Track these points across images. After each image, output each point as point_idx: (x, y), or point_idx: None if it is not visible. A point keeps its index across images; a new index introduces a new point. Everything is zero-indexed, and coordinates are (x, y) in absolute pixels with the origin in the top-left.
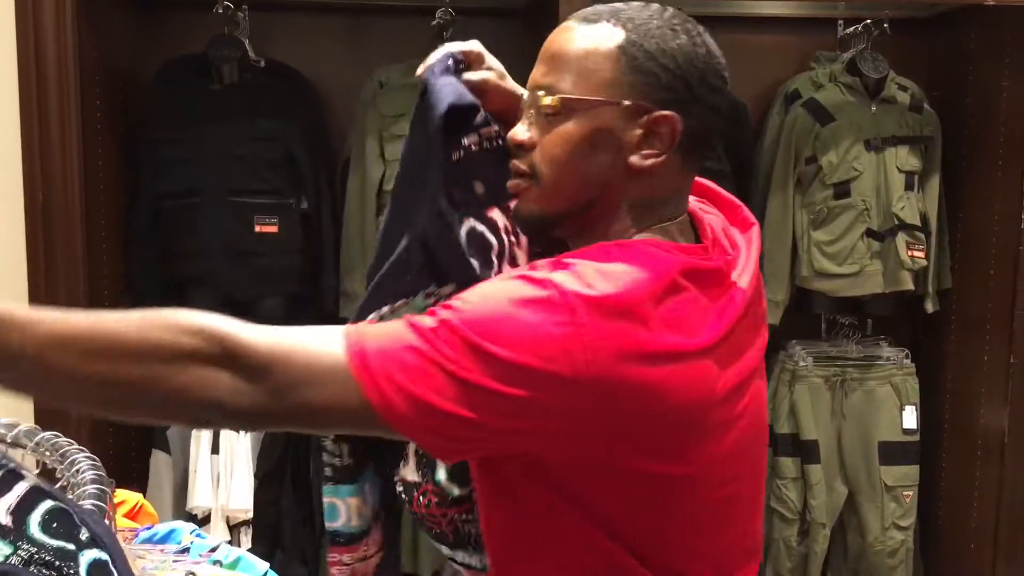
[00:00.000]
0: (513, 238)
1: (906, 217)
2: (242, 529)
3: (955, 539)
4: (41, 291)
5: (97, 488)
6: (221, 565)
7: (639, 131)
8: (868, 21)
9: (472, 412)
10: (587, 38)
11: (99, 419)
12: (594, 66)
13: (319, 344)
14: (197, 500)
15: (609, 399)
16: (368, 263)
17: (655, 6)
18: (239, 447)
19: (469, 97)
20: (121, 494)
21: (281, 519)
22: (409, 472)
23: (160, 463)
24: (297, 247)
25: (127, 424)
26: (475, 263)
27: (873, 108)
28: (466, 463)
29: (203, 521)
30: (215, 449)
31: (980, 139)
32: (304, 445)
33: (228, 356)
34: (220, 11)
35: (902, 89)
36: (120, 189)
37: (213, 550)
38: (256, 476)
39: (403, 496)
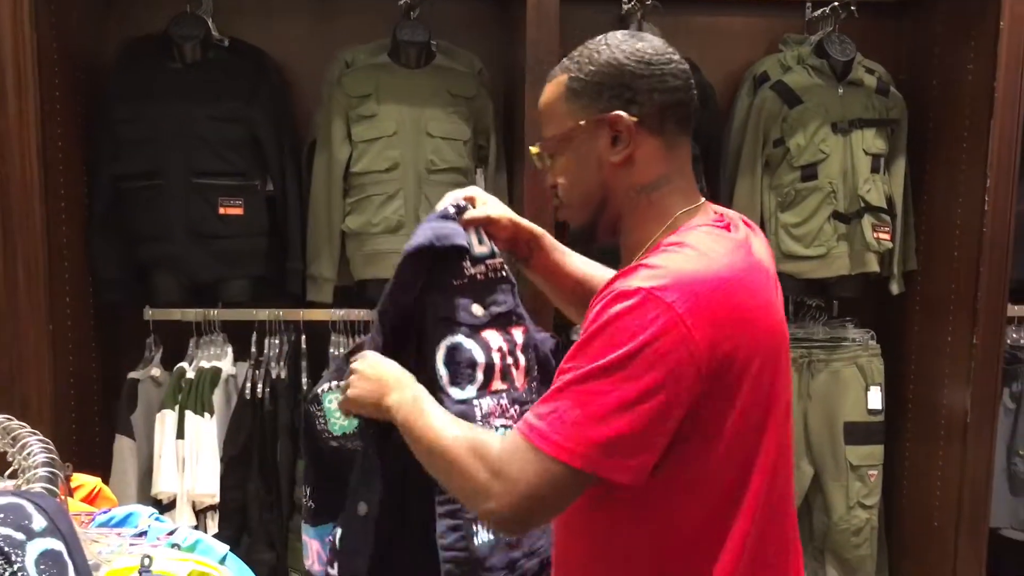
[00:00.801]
0: (511, 359)
1: (872, 200)
2: (208, 514)
3: (919, 517)
4: None
5: (48, 471)
6: (179, 548)
7: (605, 137)
8: (836, 4)
9: (637, 425)
10: (547, 91)
11: (60, 404)
12: (554, 110)
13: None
14: (162, 485)
15: (710, 321)
16: (334, 246)
17: (607, 35)
18: (204, 432)
19: (461, 238)
20: (79, 478)
21: (248, 504)
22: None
23: (124, 448)
24: (262, 229)
25: (89, 409)
26: (443, 372)
27: (840, 91)
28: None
29: (168, 506)
30: (180, 434)
31: (945, 122)
32: (271, 429)
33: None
34: None
35: (869, 72)
36: (80, 169)
37: (171, 533)
38: (222, 461)
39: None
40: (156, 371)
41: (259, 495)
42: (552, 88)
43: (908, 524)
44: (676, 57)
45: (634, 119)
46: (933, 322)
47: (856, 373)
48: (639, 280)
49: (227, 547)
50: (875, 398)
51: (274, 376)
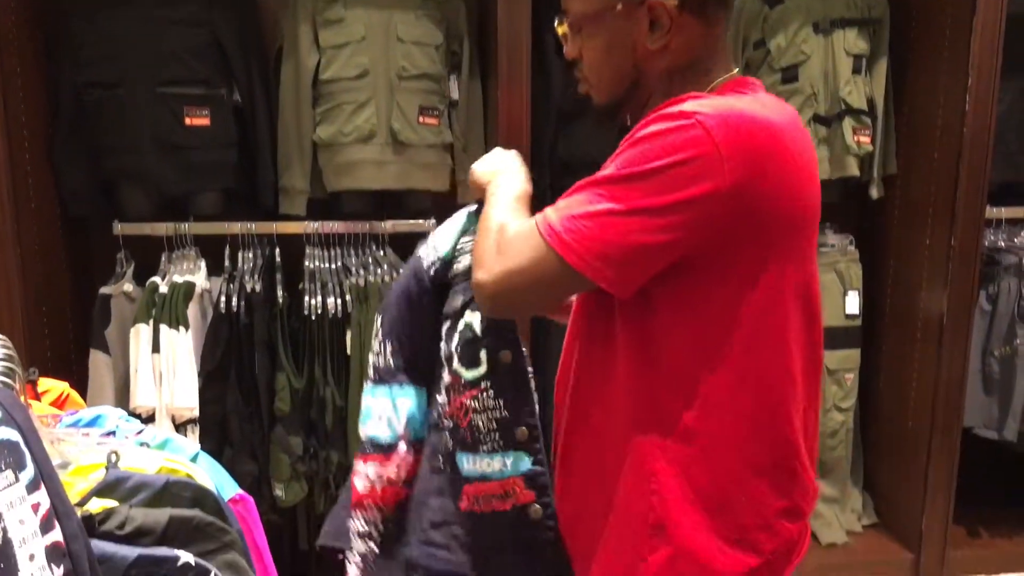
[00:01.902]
0: None
1: (853, 102)
2: (188, 427)
3: (894, 418)
4: None
5: (5, 366)
6: (148, 447)
7: (642, 21)
8: None
9: (646, 236)
10: None
11: (33, 322)
12: None
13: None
14: (140, 399)
15: (749, 163)
16: (305, 156)
17: None
18: (180, 346)
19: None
20: (45, 383)
21: (227, 416)
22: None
23: (100, 363)
24: (231, 140)
25: (63, 327)
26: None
27: None
28: (476, 352)
29: (148, 421)
30: (155, 348)
31: (927, 22)
32: (248, 342)
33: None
34: None
35: None
36: (40, 80)
37: (139, 432)
38: (200, 375)
39: (440, 407)
40: (128, 286)
41: (238, 408)
42: None
43: (883, 425)
44: None
45: (675, 3)
46: (912, 225)
47: (835, 279)
48: (685, 105)
49: (198, 446)
50: (852, 303)
51: (249, 290)
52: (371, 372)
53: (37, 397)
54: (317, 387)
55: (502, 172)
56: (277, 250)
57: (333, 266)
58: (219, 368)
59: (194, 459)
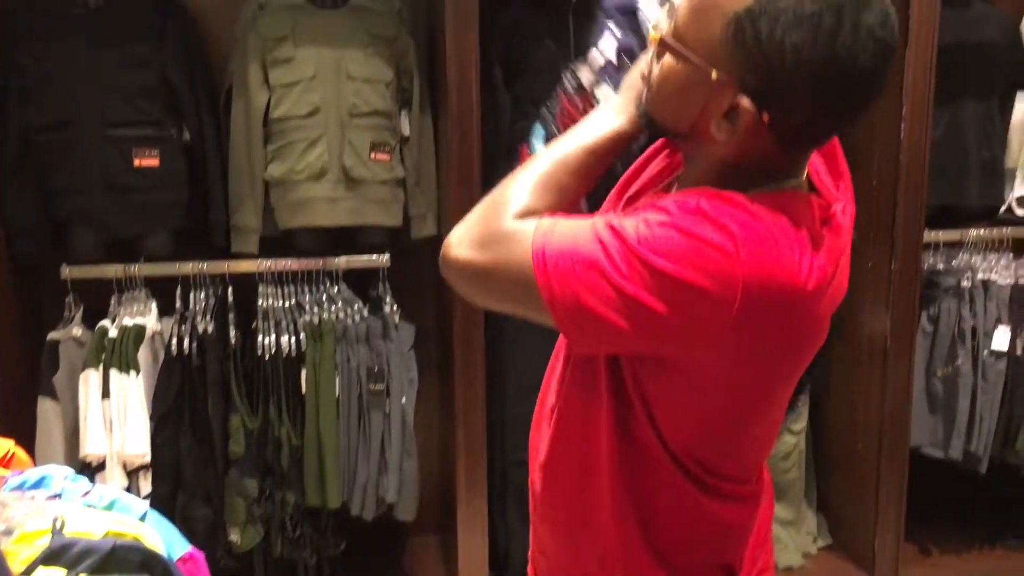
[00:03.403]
0: None
1: None
2: (140, 473)
3: (843, 439)
4: None
5: None
6: (95, 509)
7: (722, 103)
8: None
9: (626, 323)
10: None
11: None
12: (707, 21)
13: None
14: (90, 447)
15: (754, 329)
16: (257, 194)
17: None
18: (131, 390)
19: None
20: None
21: (181, 460)
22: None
23: (48, 411)
24: (181, 180)
25: (12, 374)
26: None
27: None
28: None
29: (98, 468)
30: (105, 393)
31: None
32: (201, 384)
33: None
34: None
35: None
36: None
37: (86, 494)
38: (152, 419)
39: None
40: (77, 330)
41: (192, 451)
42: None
43: (833, 447)
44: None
45: (765, 119)
46: (854, 250)
47: None
48: (735, 222)
49: (147, 504)
50: None
51: (201, 331)
52: None
53: None
54: (272, 427)
55: (618, 96)
56: (230, 289)
57: (287, 304)
58: (171, 411)
59: (143, 518)
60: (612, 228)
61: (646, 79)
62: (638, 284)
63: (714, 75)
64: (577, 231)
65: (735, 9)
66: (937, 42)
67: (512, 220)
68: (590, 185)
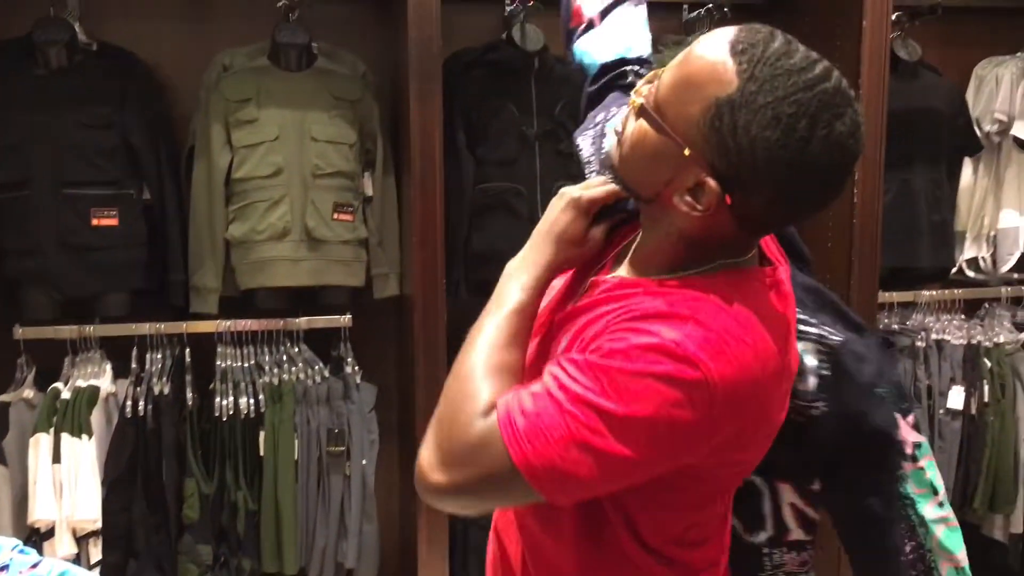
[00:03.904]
0: None
1: None
2: (91, 540)
3: None
4: None
5: None
6: None
7: (690, 180)
8: (710, 5)
9: (604, 474)
10: (713, 68)
11: None
12: (689, 100)
13: (485, 439)
14: (38, 513)
15: (731, 424)
16: (218, 255)
17: (811, 73)
18: (83, 455)
19: None
20: None
21: (133, 526)
22: None
23: None
24: (140, 240)
25: None
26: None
27: None
28: None
29: (47, 535)
30: (56, 458)
31: None
32: (155, 448)
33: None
34: None
35: None
36: None
37: (35, 566)
38: (103, 483)
39: None
40: (29, 393)
41: (144, 517)
42: (719, 70)
43: None
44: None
45: (728, 200)
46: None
47: None
48: (694, 346)
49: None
50: None
51: (157, 392)
52: None
53: None
54: (228, 491)
55: (531, 247)
56: (187, 350)
57: (246, 364)
58: (124, 476)
59: None
60: (575, 397)
61: (620, 135)
62: (620, 441)
63: (687, 152)
64: (542, 412)
65: (717, 95)
66: (886, 110)
67: (476, 424)
68: (530, 333)
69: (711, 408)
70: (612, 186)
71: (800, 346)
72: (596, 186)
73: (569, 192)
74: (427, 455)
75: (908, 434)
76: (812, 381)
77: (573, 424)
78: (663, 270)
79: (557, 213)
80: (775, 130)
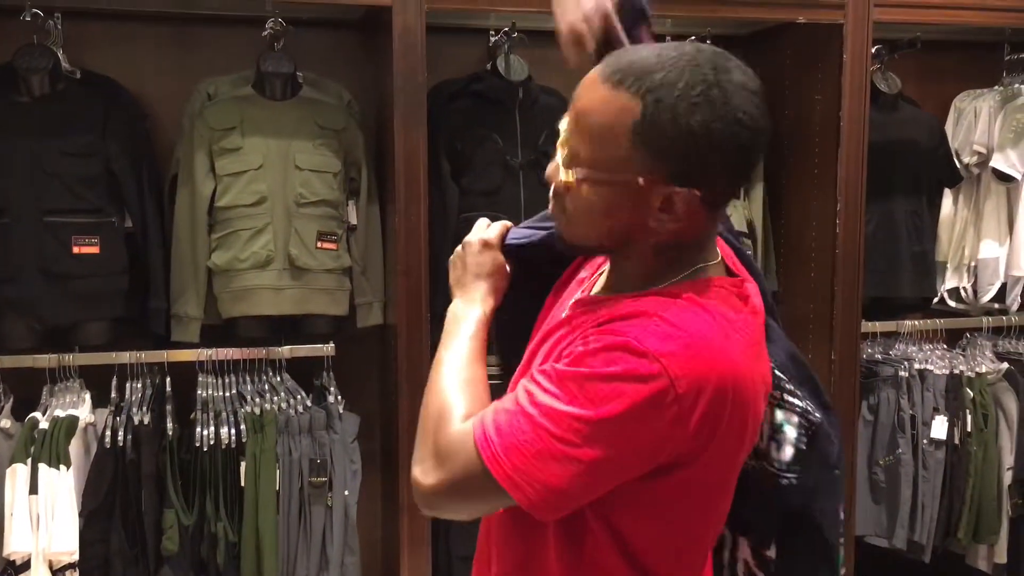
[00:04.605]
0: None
1: (734, 224)
2: (67, 572)
3: None
4: None
5: None
6: None
7: (657, 201)
8: (693, 38)
9: (584, 482)
10: (607, 107)
11: None
12: (610, 141)
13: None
14: (14, 545)
15: (710, 428)
16: (200, 283)
17: (686, 58)
18: (60, 486)
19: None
20: None
21: (111, 558)
22: None
23: None
24: (122, 268)
25: None
26: None
27: None
28: None
29: (23, 567)
30: (33, 489)
31: (798, 149)
32: (135, 478)
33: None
34: (27, 18)
35: None
36: None
37: None
38: (81, 515)
39: None
40: (6, 422)
41: (122, 550)
42: (614, 104)
43: None
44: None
45: (697, 194)
46: (794, 340)
47: None
48: (656, 341)
49: None
50: None
51: (136, 422)
52: None
53: None
54: (208, 523)
55: (463, 291)
56: (168, 379)
57: (227, 394)
58: (102, 507)
59: None
60: (545, 409)
61: (558, 221)
62: (592, 446)
63: (640, 181)
64: (515, 428)
65: (630, 121)
66: (867, 141)
67: (456, 428)
68: (486, 359)
69: (678, 403)
70: (503, 222)
71: (782, 415)
72: (487, 227)
73: (475, 239)
74: (417, 467)
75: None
76: (788, 451)
77: (546, 436)
78: (638, 286)
79: (474, 258)
80: (700, 110)
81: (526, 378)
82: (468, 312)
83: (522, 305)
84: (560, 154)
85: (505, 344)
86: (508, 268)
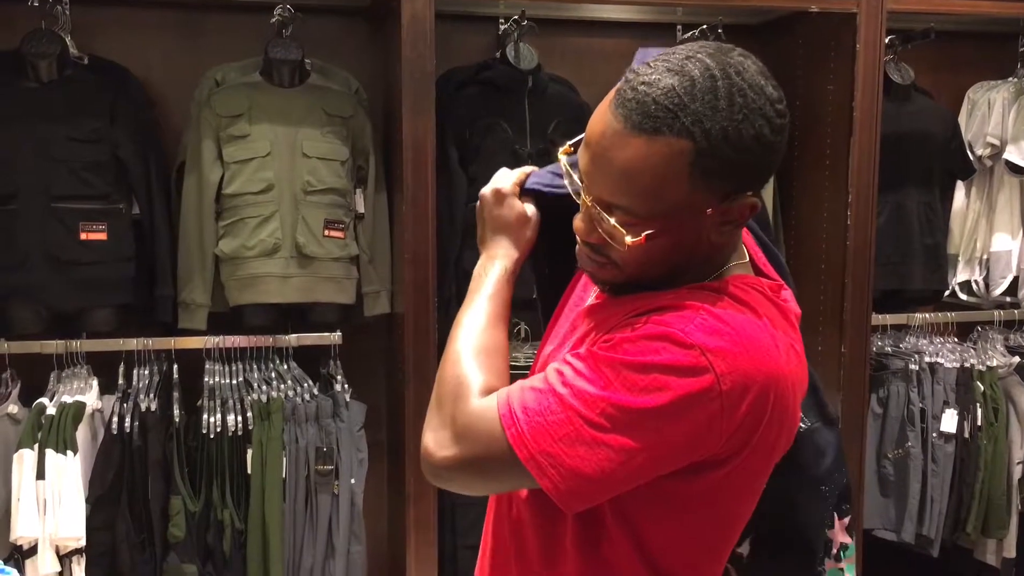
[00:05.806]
0: None
1: None
2: (74, 558)
3: None
4: None
5: None
6: None
7: (720, 217)
8: (704, 27)
9: (611, 471)
10: (654, 159)
11: None
12: (668, 188)
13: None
14: (21, 530)
15: (749, 427)
16: (207, 270)
17: (699, 69)
18: (67, 471)
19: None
20: None
21: (117, 545)
22: None
23: None
24: (129, 254)
25: None
26: None
27: None
28: None
29: (29, 552)
30: (40, 474)
31: (809, 141)
32: (141, 465)
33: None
34: (35, 4)
35: None
36: None
37: None
38: (88, 501)
39: None
40: (13, 408)
41: (129, 536)
42: (660, 153)
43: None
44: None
45: (751, 195)
46: (804, 333)
47: None
48: (703, 335)
49: None
50: None
51: (143, 409)
52: None
53: None
54: (215, 510)
55: (484, 248)
56: (175, 366)
57: (234, 381)
58: (109, 493)
59: None
60: (579, 392)
61: (602, 265)
62: (626, 435)
63: (709, 211)
64: (544, 409)
65: (685, 162)
66: (880, 132)
67: (474, 403)
68: (509, 318)
69: (721, 400)
70: (524, 168)
71: None
72: (505, 175)
73: (488, 191)
74: (431, 436)
75: (839, 534)
76: None
77: (576, 419)
78: (667, 282)
79: (490, 211)
80: (748, 122)
81: (557, 360)
82: (488, 269)
83: (563, 253)
84: (601, 216)
85: (549, 297)
86: (534, 215)
